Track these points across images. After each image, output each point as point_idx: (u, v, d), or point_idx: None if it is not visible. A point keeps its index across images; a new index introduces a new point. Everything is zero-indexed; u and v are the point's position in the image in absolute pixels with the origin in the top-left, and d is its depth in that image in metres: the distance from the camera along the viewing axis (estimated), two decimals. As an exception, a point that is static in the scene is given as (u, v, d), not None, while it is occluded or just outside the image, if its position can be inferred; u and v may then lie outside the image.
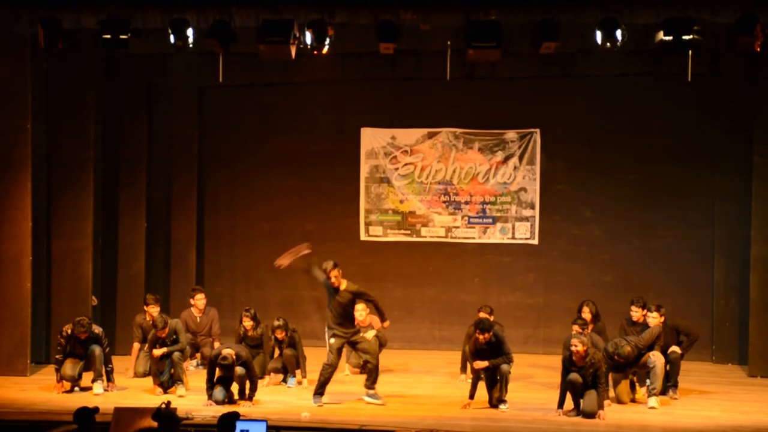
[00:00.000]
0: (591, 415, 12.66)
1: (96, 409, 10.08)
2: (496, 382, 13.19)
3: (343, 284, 13.40)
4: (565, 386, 12.86)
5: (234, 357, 13.24)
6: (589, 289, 16.48)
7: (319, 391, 13.38)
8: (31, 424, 12.35)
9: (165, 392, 13.80)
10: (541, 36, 13.04)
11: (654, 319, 13.73)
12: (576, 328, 13.79)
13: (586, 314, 14.48)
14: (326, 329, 13.62)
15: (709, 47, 14.65)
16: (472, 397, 13.21)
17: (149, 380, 14.17)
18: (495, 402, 13.21)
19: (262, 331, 14.76)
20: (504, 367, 13.11)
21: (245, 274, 17.94)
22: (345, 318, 13.43)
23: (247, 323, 14.65)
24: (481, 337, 13.08)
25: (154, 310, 14.92)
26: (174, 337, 14.08)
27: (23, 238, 14.76)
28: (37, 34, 13.47)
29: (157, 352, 13.91)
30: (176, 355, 13.94)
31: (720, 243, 16.60)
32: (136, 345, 15.07)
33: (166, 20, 13.29)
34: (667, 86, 16.56)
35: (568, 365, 12.84)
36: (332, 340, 13.44)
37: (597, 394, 12.72)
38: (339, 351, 13.42)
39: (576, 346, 12.72)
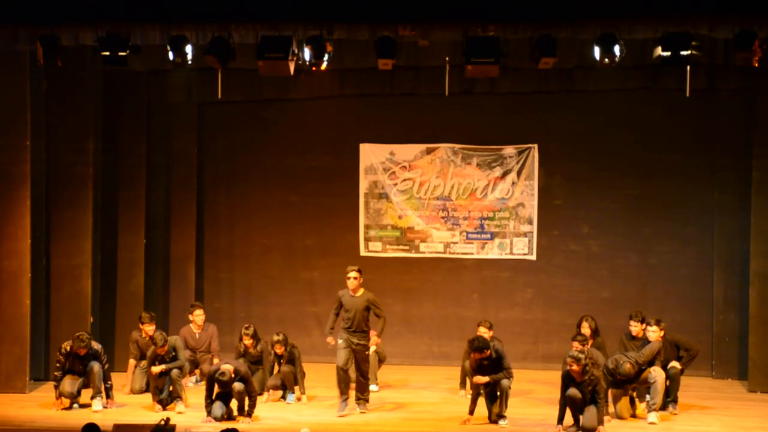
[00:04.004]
0: (591, 430, 12.65)
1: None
2: (496, 397, 13.19)
3: (360, 291, 13.59)
4: (564, 402, 12.85)
5: (232, 373, 13.23)
6: (588, 304, 16.47)
7: (341, 397, 13.59)
8: (31, 441, 12.41)
9: (164, 409, 13.79)
10: (540, 51, 13.06)
11: (654, 333, 13.74)
12: (576, 344, 13.77)
13: (585, 329, 14.47)
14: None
15: (708, 63, 14.72)
16: (471, 412, 13.21)
17: (148, 397, 14.16)
18: (495, 417, 13.20)
19: (262, 348, 14.75)
20: (504, 382, 13.10)
21: (245, 291, 17.92)
22: (354, 323, 13.50)
23: (248, 341, 14.64)
24: (478, 356, 13.08)
25: (149, 328, 14.89)
26: (173, 354, 14.07)
27: (22, 254, 14.76)
28: (36, 52, 13.49)
29: (156, 369, 13.89)
30: (175, 372, 13.93)
31: (719, 258, 16.59)
32: (132, 361, 15.06)
33: (165, 37, 13.30)
34: (666, 101, 16.58)
35: (568, 381, 12.83)
36: (339, 341, 13.60)
37: (596, 410, 12.71)
38: (344, 351, 13.52)
39: (571, 365, 12.70)
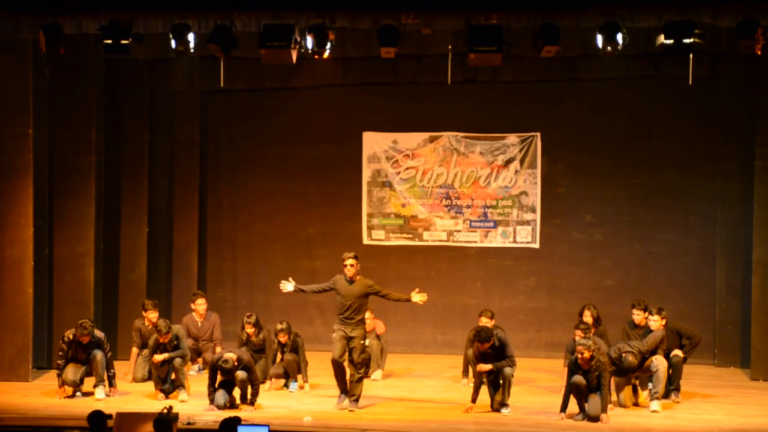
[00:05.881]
0: (595, 419, 12.65)
1: (109, 416, 10.16)
2: (499, 386, 13.19)
3: (357, 278, 13.41)
4: (569, 389, 12.85)
5: (235, 361, 13.23)
6: (591, 293, 16.48)
7: (341, 389, 13.42)
8: (34, 429, 12.38)
9: (167, 397, 13.81)
10: (543, 40, 13.05)
11: (655, 322, 13.72)
12: (579, 333, 13.77)
13: (588, 318, 14.45)
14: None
15: (710, 51, 14.73)
16: (474, 401, 13.20)
17: (151, 385, 14.17)
18: (497, 406, 13.21)
19: (265, 336, 14.74)
20: (507, 370, 13.10)
21: (247, 279, 17.93)
22: (349, 311, 13.38)
23: (250, 329, 14.61)
24: (481, 347, 13.09)
25: (152, 315, 14.93)
26: (175, 343, 14.06)
27: (25, 243, 14.77)
28: (38, 40, 13.49)
29: (158, 357, 13.89)
30: (177, 360, 13.92)
31: (722, 246, 16.59)
32: (135, 350, 15.06)
33: (168, 25, 13.31)
34: (669, 90, 16.57)
35: (574, 369, 12.83)
36: (333, 335, 13.45)
37: (600, 398, 12.70)
38: (340, 344, 13.30)
39: (582, 353, 12.69)
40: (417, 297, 13.40)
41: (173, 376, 13.99)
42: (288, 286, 13.57)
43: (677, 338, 14.13)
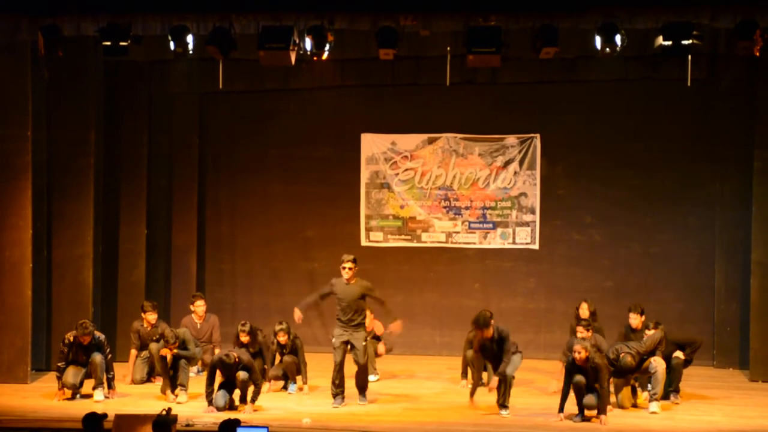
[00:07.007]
0: (592, 407, 12.64)
1: (104, 416, 10.14)
2: (500, 362, 13.09)
3: (354, 280, 13.56)
4: (568, 389, 12.84)
5: (237, 358, 13.22)
6: (590, 294, 16.39)
7: (333, 392, 13.55)
8: (32, 431, 12.37)
9: (170, 391, 13.82)
10: (541, 41, 13.06)
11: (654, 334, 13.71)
12: (581, 329, 13.73)
13: (584, 311, 14.47)
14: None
15: (709, 52, 14.71)
16: (472, 396, 13.20)
17: (150, 387, 14.18)
18: (494, 383, 13.09)
19: (260, 341, 14.61)
20: (509, 370, 13.06)
21: (246, 281, 17.92)
22: (348, 314, 13.47)
23: (244, 338, 14.30)
24: (481, 335, 13.02)
25: (151, 317, 14.94)
26: (183, 348, 14.03)
27: (24, 245, 14.75)
28: (37, 42, 13.50)
29: (166, 351, 13.82)
30: (183, 361, 13.89)
31: (721, 247, 16.58)
32: (134, 352, 15.05)
33: (166, 27, 13.32)
34: (667, 91, 16.56)
35: (572, 369, 12.83)
36: (333, 339, 13.54)
37: (599, 398, 12.69)
38: (340, 349, 13.46)
39: (579, 353, 12.69)
40: (395, 326, 13.87)
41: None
42: (297, 313, 13.77)
43: (679, 349, 14.05)
